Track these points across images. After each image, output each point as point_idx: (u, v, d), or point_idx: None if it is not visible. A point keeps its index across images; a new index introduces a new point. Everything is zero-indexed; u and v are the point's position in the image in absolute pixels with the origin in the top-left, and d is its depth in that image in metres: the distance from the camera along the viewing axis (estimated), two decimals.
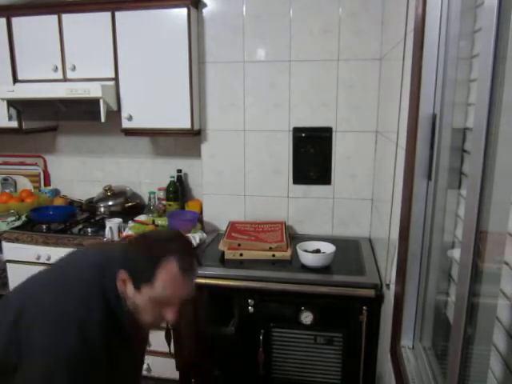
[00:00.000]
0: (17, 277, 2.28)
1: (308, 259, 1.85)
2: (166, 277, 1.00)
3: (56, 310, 1.03)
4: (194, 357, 1.78)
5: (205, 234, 2.23)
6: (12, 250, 2.28)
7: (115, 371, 1.07)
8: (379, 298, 1.70)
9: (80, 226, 2.38)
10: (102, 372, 1.02)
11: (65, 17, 2.21)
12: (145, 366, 2.24)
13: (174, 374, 2.04)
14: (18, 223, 2.40)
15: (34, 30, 2.26)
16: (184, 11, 2.08)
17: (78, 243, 2.18)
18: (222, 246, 2.00)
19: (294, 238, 2.18)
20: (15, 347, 1.00)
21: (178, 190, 2.49)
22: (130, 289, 1.05)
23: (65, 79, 2.28)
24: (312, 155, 2.23)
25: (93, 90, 2.11)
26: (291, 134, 2.23)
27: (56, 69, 2.27)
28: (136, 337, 1.17)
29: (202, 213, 2.42)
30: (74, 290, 1.06)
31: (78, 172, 2.78)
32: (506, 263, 0.71)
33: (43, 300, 1.05)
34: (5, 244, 2.28)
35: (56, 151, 2.80)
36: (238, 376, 1.90)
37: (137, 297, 1.04)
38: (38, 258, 2.23)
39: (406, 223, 1.23)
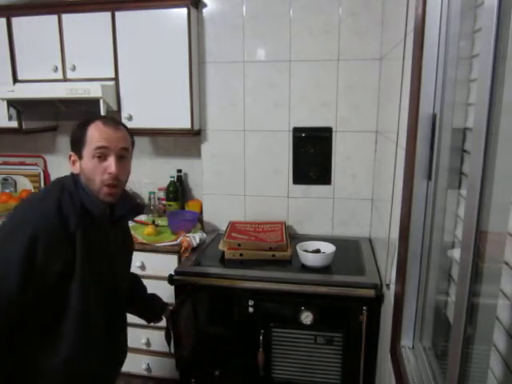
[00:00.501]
0: None
1: (308, 259, 1.85)
2: (94, 131, 1.19)
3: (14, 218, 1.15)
4: (194, 357, 1.78)
5: (205, 234, 2.23)
6: None
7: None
8: (379, 298, 1.70)
9: None
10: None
11: (65, 17, 2.21)
12: (145, 366, 2.25)
13: (174, 374, 2.05)
14: None
15: (34, 30, 2.26)
16: (184, 11, 2.08)
17: None
18: (221, 246, 1.99)
19: (294, 238, 2.18)
20: None
21: (178, 190, 2.49)
22: (77, 163, 1.21)
23: (65, 79, 2.28)
24: (312, 155, 2.23)
25: (93, 90, 2.11)
26: (291, 133, 2.23)
27: (56, 69, 2.27)
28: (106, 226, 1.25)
29: (201, 213, 2.42)
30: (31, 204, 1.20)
31: None
32: (506, 263, 0.71)
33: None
34: None
35: (56, 151, 2.80)
36: (237, 376, 1.90)
37: (82, 164, 1.19)
38: None
39: (406, 223, 1.23)
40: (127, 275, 1.45)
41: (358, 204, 2.24)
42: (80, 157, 1.20)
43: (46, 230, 1.07)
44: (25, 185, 2.84)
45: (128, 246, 1.44)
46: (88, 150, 1.18)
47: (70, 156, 1.23)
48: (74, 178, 1.21)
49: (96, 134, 1.19)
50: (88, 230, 1.15)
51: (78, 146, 1.20)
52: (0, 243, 1.09)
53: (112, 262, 1.26)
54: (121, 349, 1.38)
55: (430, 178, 1.15)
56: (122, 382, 2.18)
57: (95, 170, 1.18)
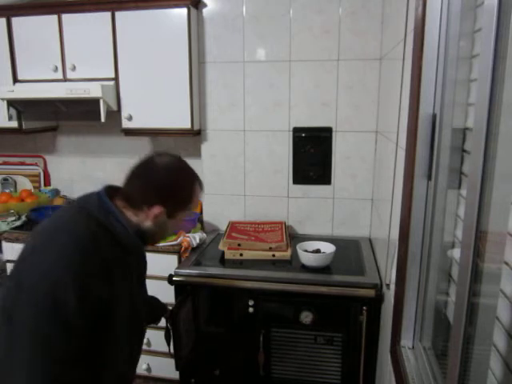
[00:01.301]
0: None
1: (308, 259, 1.85)
2: (197, 195, 1.18)
3: (47, 244, 1.04)
4: (194, 357, 1.78)
5: (205, 234, 2.23)
6: (12, 250, 2.28)
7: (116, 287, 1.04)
8: (379, 298, 1.70)
9: None
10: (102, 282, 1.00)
11: (65, 17, 2.21)
12: (144, 366, 2.24)
13: (174, 374, 2.04)
14: (18, 223, 2.40)
15: (34, 30, 2.26)
16: (184, 11, 2.08)
17: None
18: (221, 246, 1.99)
19: (293, 238, 2.18)
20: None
21: None
22: (160, 217, 1.12)
23: (65, 79, 2.28)
24: (312, 155, 2.23)
25: (93, 90, 2.11)
26: (291, 133, 2.23)
27: (56, 69, 2.27)
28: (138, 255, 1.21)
29: (202, 213, 2.42)
30: (62, 226, 1.06)
31: (78, 172, 2.78)
32: (506, 263, 0.71)
33: (33, 245, 1.09)
34: (5, 244, 2.28)
35: (56, 151, 2.80)
36: (238, 376, 1.90)
37: (169, 222, 1.14)
38: None
39: (406, 223, 1.23)
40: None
41: (358, 204, 2.24)
42: (172, 215, 1.13)
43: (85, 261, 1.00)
44: (25, 185, 2.85)
45: (145, 264, 1.38)
46: (185, 212, 1.16)
47: (152, 207, 1.10)
48: (103, 206, 1.09)
49: (196, 198, 1.19)
50: (122, 259, 1.09)
51: (176, 203, 1.14)
52: (43, 268, 1.02)
53: (138, 281, 1.23)
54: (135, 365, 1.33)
55: (430, 177, 1.15)
56: None
57: (174, 228, 1.20)
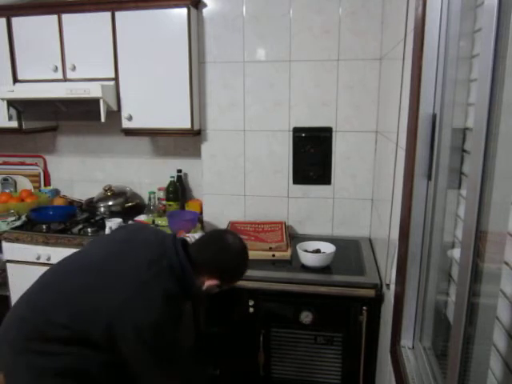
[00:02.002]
0: (17, 277, 2.29)
1: (308, 259, 1.85)
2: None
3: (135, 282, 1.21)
4: (194, 357, 1.78)
5: None
6: (12, 250, 2.28)
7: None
8: (379, 298, 1.70)
9: (80, 226, 2.38)
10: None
11: (65, 17, 2.21)
12: None
13: None
14: (18, 223, 2.40)
15: (34, 30, 2.26)
16: (184, 11, 2.08)
17: (78, 243, 2.18)
18: None
19: (293, 238, 2.18)
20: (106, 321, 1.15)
21: (178, 190, 2.49)
22: (214, 284, 1.35)
23: (65, 79, 2.28)
24: (312, 155, 2.23)
25: (93, 90, 2.11)
26: (291, 133, 2.23)
27: (56, 69, 2.27)
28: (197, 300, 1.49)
29: (201, 213, 2.42)
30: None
31: (78, 172, 2.78)
32: (506, 263, 0.71)
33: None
34: (5, 244, 2.28)
35: (56, 151, 2.80)
36: (237, 376, 1.90)
37: (214, 288, 1.37)
38: (38, 258, 2.23)
39: (406, 223, 1.23)
40: None
41: (358, 204, 2.24)
42: (221, 286, 1.37)
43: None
44: (25, 185, 2.84)
45: None
46: (231, 284, 1.43)
47: (211, 278, 1.35)
48: (181, 265, 1.28)
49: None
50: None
51: (231, 281, 1.41)
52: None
53: None
54: None
55: (430, 177, 1.15)
56: None
57: (214, 292, 1.40)
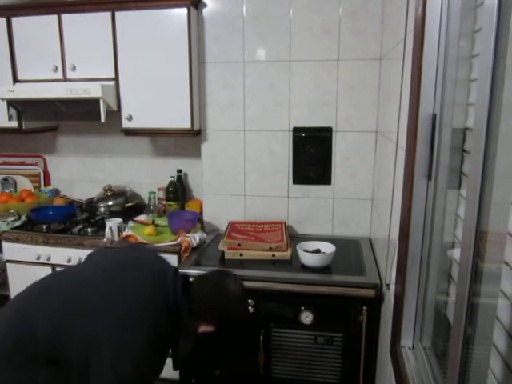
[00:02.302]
0: (17, 277, 2.29)
1: (308, 259, 1.85)
2: None
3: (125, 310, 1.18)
4: (194, 357, 1.78)
5: (205, 234, 2.23)
6: (12, 250, 2.28)
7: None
8: (379, 298, 1.70)
9: (80, 226, 2.38)
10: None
11: (65, 17, 2.21)
12: None
13: (174, 374, 2.04)
14: (18, 223, 2.40)
15: (34, 30, 2.26)
16: (184, 11, 2.08)
17: (78, 243, 2.19)
18: (222, 246, 1.99)
19: (293, 238, 2.18)
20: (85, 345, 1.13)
21: (178, 190, 2.49)
22: (207, 331, 1.33)
23: (65, 79, 2.28)
24: (312, 155, 2.23)
25: (93, 90, 2.11)
26: (291, 133, 2.23)
27: (56, 69, 2.27)
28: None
29: (201, 213, 2.42)
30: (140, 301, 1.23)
31: (78, 172, 2.79)
32: (506, 263, 0.71)
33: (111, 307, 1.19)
34: (5, 244, 2.28)
35: (56, 151, 2.80)
36: (237, 376, 1.90)
37: (206, 329, 1.34)
38: (38, 257, 2.23)
39: (405, 223, 1.23)
40: None
41: (358, 204, 2.24)
42: (213, 330, 1.34)
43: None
44: (25, 185, 2.85)
45: None
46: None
47: (207, 324, 1.33)
48: (177, 303, 1.25)
49: None
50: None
51: (225, 328, 1.39)
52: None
53: None
54: None
55: (430, 177, 1.15)
56: None
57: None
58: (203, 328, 1.31)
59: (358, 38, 2.08)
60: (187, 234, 2.12)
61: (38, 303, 1.22)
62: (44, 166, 2.83)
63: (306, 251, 1.87)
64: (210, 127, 2.31)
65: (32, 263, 2.24)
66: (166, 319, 1.21)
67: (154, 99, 2.19)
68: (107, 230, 2.17)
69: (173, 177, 2.49)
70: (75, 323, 1.15)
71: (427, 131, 1.13)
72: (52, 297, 1.23)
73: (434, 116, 1.12)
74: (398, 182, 1.41)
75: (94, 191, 2.64)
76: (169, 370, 2.16)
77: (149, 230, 2.19)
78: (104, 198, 2.53)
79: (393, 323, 1.35)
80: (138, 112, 2.23)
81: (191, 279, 1.41)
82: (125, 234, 2.17)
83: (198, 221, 2.30)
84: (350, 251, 2.06)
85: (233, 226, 2.20)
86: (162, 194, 2.54)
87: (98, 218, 2.47)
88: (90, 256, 1.50)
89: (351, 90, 2.14)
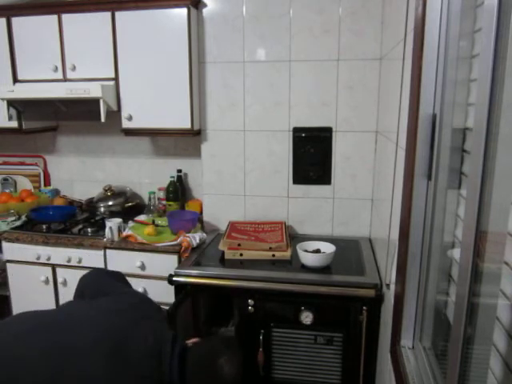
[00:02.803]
0: (17, 277, 2.29)
1: (308, 259, 1.85)
2: None
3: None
4: None
5: (205, 234, 2.23)
6: (12, 250, 2.28)
7: None
8: (379, 298, 1.70)
9: (80, 226, 2.38)
10: None
11: (65, 17, 2.21)
12: None
13: None
14: (18, 223, 2.40)
15: (34, 30, 2.26)
16: (184, 11, 2.08)
17: (78, 243, 2.19)
18: (222, 246, 1.99)
19: (293, 238, 2.18)
20: None
21: (178, 190, 2.49)
22: None
23: (65, 79, 2.28)
24: (312, 155, 2.23)
25: (93, 90, 2.11)
26: (291, 133, 2.23)
27: (56, 69, 2.27)
28: None
29: (201, 213, 2.42)
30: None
31: (78, 172, 2.79)
32: (506, 263, 0.71)
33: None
34: (5, 244, 2.28)
35: (56, 151, 2.80)
36: None
37: None
38: (38, 258, 2.23)
39: (406, 223, 1.23)
40: None
41: (358, 204, 2.24)
42: None
43: None
44: (25, 185, 2.85)
45: None
46: None
47: None
48: (170, 365, 1.21)
49: None
50: None
51: None
52: None
53: None
54: None
55: (430, 177, 1.15)
56: None
57: None
58: None
59: (358, 38, 2.08)
60: (187, 234, 2.12)
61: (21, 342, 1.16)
62: (44, 166, 2.83)
63: (306, 251, 1.87)
64: (210, 127, 2.31)
65: (32, 263, 2.24)
66: None
67: (153, 99, 2.19)
68: (107, 229, 2.17)
69: (173, 177, 2.49)
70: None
71: (427, 131, 1.13)
72: (37, 341, 1.16)
73: (434, 116, 1.12)
74: (397, 182, 1.41)
75: (94, 191, 2.64)
76: None
77: (149, 230, 2.19)
78: (104, 198, 2.54)
79: (393, 323, 1.35)
80: (138, 112, 2.23)
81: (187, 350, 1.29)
82: (125, 233, 2.18)
83: (197, 221, 2.30)
84: (349, 251, 2.06)
85: (233, 226, 2.20)
86: (162, 194, 2.54)
87: (98, 217, 2.48)
88: (83, 305, 1.37)
89: (351, 90, 2.14)
